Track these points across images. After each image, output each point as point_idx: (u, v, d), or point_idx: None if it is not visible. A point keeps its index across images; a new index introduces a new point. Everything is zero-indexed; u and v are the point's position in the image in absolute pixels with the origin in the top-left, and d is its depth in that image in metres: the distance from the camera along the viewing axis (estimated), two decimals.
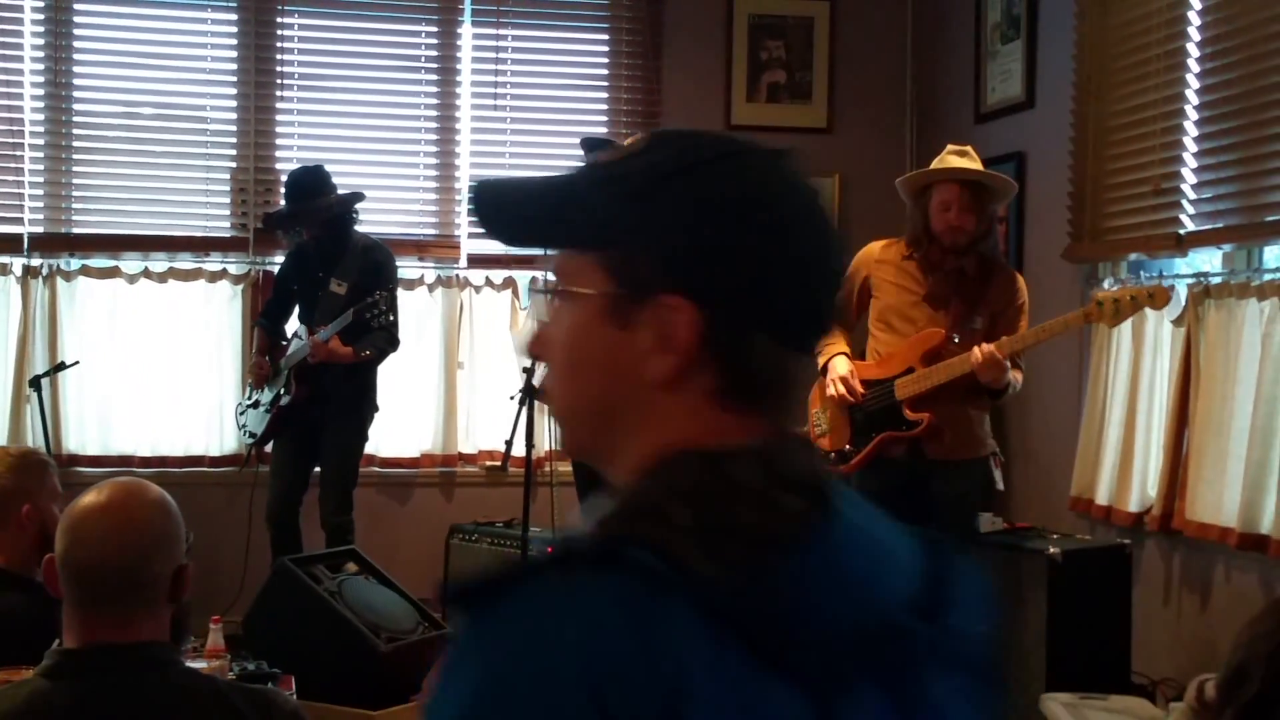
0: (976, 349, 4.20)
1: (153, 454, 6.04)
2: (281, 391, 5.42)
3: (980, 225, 4.42)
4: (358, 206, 5.51)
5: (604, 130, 6.35)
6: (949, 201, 4.39)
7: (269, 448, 5.66)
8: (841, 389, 4.48)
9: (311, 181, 5.41)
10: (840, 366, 4.55)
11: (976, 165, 4.44)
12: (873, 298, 4.61)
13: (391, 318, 5.25)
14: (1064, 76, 5.35)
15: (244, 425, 5.67)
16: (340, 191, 5.49)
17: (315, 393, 5.38)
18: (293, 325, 5.66)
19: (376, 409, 5.55)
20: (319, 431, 5.45)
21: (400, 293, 6.16)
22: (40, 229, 5.97)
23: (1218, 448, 4.50)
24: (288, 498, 5.48)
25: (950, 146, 4.53)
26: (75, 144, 6.02)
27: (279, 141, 6.18)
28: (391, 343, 5.40)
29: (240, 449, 5.92)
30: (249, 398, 5.65)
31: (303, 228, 5.44)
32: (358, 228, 5.53)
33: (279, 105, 6.16)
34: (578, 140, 5.43)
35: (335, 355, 5.24)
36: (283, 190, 5.54)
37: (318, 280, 5.46)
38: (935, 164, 4.50)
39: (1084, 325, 4.49)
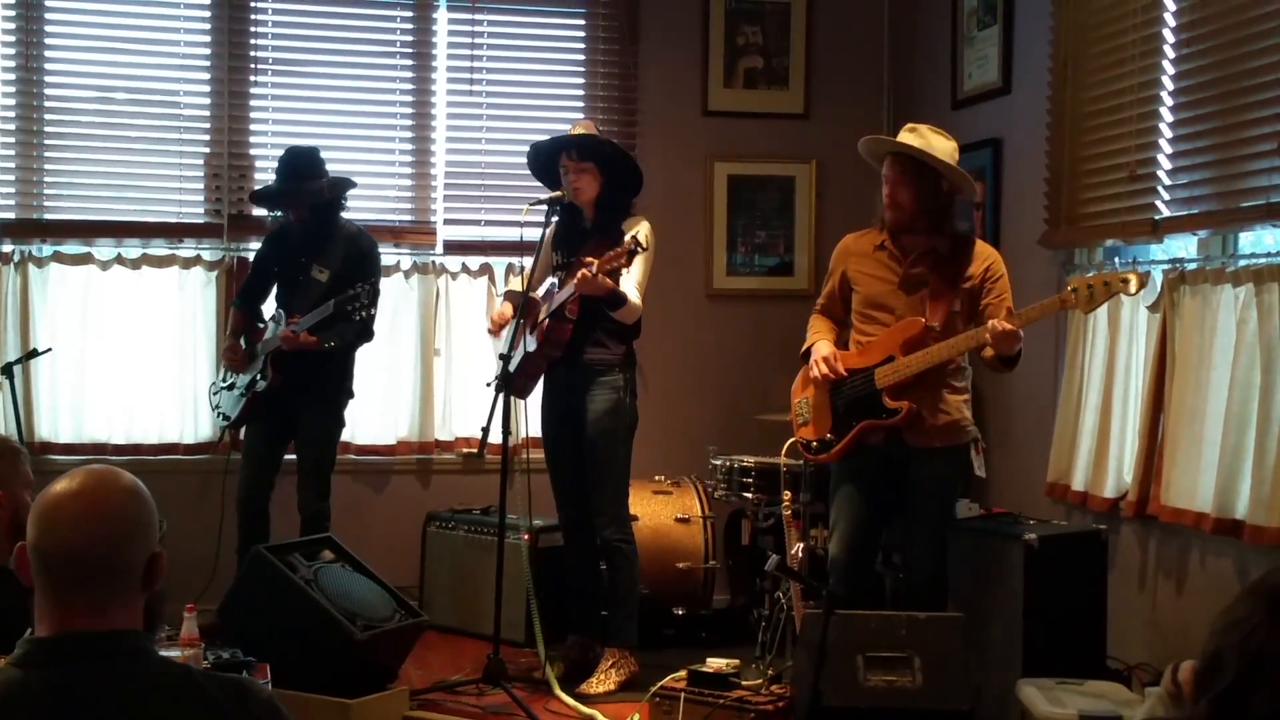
0: (993, 321, 4.18)
1: (126, 441, 6.00)
2: (258, 377, 5.38)
3: (921, 201, 4.41)
4: (347, 193, 5.50)
5: (580, 115, 6.32)
6: (888, 176, 4.45)
7: (242, 433, 5.64)
8: (824, 368, 4.49)
9: (306, 163, 5.38)
10: (821, 348, 4.57)
11: (925, 142, 4.42)
12: (853, 291, 4.62)
13: (371, 311, 5.22)
14: (1040, 62, 5.36)
15: (217, 407, 5.63)
16: (332, 176, 5.47)
17: (291, 380, 5.34)
18: (270, 307, 5.63)
19: (351, 395, 5.53)
20: (293, 418, 5.42)
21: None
22: (12, 215, 5.91)
23: (1193, 433, 4.52)
24: (259, 483, 5.45)
25: (905, 126, 4.52)
26: (47, 129, 5.97)
27: (253, 127, 6.13)
28: (362, 335, 5.37)
29: (214, 435, 5.89)
30: (224, 380, 5.61)
31: (290, 209, 5.40)
32: (344, 215, 5.50)
33: (253, 90, 6.12)
34: (550, 131, 5.39)
35: (301, 345, 5.21)
36: (275, 168, 5.48)
37: (299, 265, 5.42)
38: None
39: (1060, 311, 4.49)
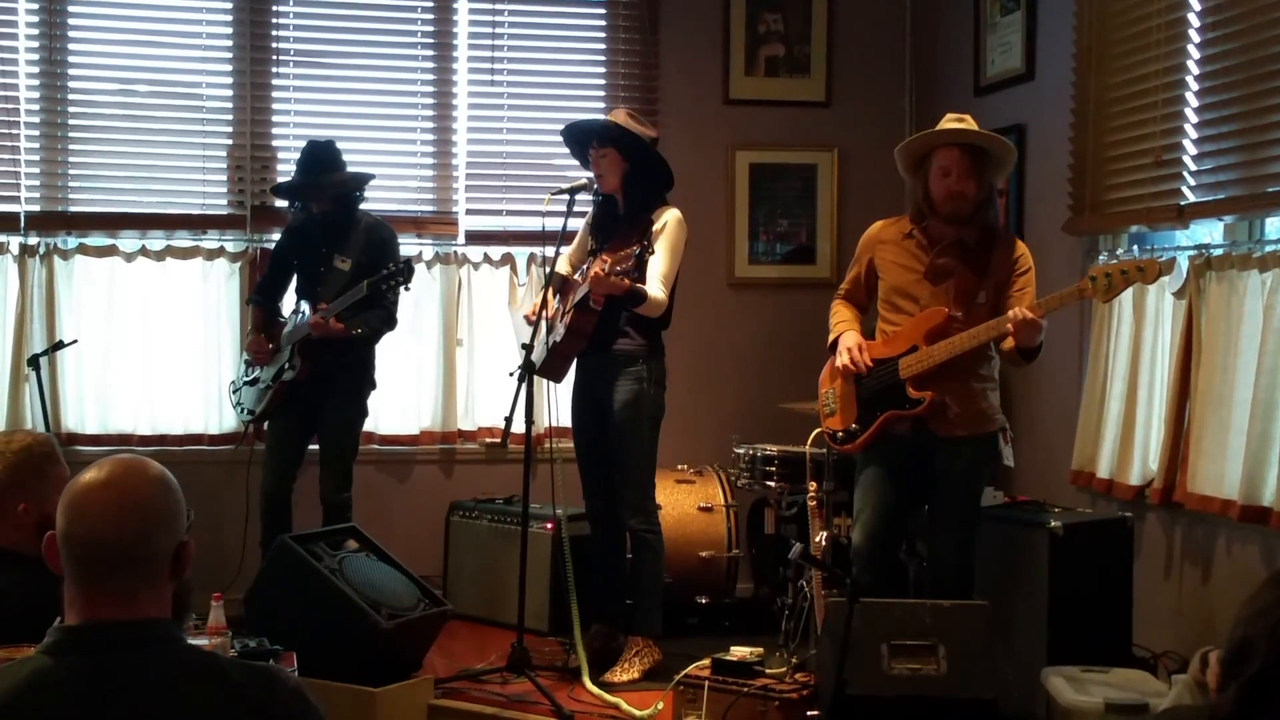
0: (1014, 310, 4.17)
1: (152, 432, 6.03)
2: (285, 367, 5.40)
3: (980, 193, 4.39)
4: (366, 186, 5.54)
5: (601, 106, 6.32)
6: (949, 167, 4.37)
7: (265, 425, 5.66)
8: (848, 360, 4.48)
9: (327, 156, 5.42)
10: (848, 339, 4.56)
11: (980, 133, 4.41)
12: (879, 279, 4.60)
13: (407, 289, 5.24)
14: (1064, 48, 5.33)
15: (239, 403, 5.65)
16: (351, 170, 5.50)
17: (317, 369, 5.36)
18: (289, 301, 5.65)
19: (374, 385, 5.55)
20: (317, 409, 5.44)
21: None
22: (37, 207, 5.94)
23: (1219, 420, 4.50)
24: (285, 475, 5.48)
25: (948, 115, 4.50)
26: (71, 122, 5.99)
27: (275, 119, 6.15)
28: (387, 322, 5.41)
29: (239, 427, 5.91)
30: (247, 374, 5.63)
31: (312, 202, 5.43)
32: (362, 205, 5.53)
33: (275, 82, 6.13)
34: (574, 119, 5.38)
35: (330, 331, 5.23)
36: (296, 161, 5.52)
37: (320, 256, 5.45)
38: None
39: (1079, 301, 4.47)
